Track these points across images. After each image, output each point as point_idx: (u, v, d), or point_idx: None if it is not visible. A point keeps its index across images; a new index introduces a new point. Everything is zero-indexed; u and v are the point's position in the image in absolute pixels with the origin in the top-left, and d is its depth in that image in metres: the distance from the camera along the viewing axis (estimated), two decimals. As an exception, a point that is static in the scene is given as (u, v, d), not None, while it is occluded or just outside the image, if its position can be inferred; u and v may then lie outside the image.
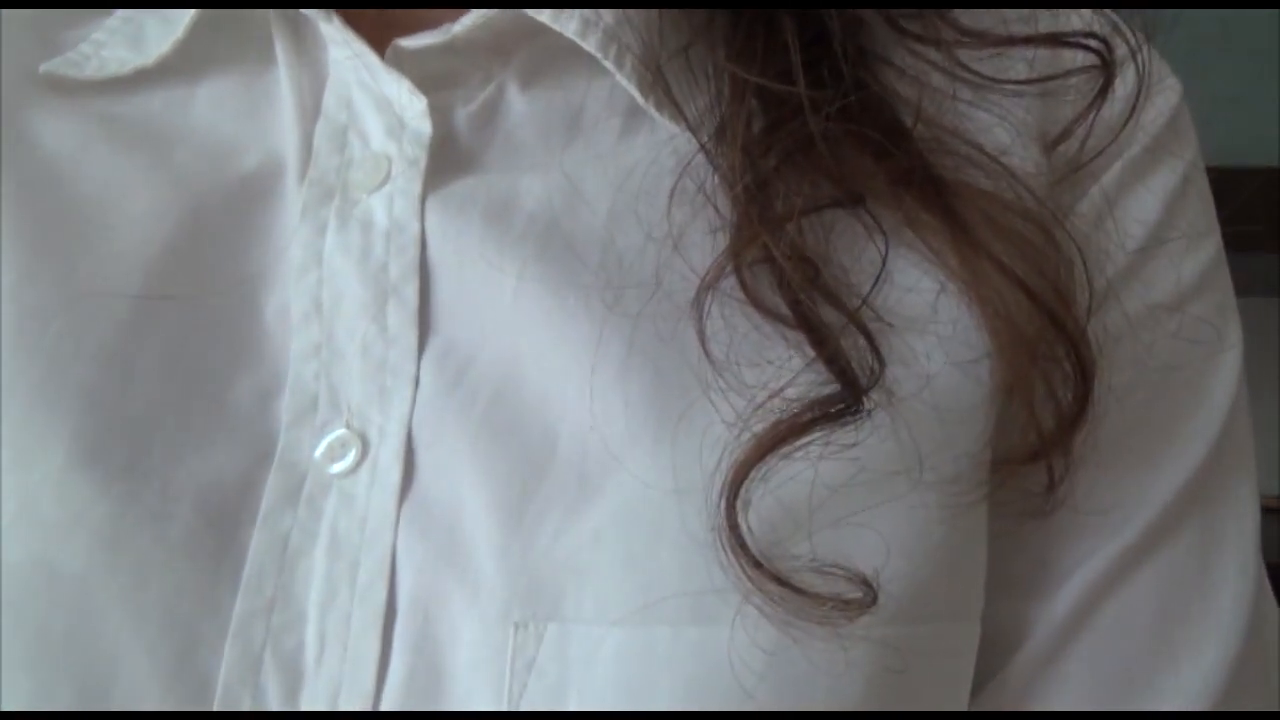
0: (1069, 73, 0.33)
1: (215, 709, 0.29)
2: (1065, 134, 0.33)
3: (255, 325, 0.33)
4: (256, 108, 0.36)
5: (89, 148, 0.36)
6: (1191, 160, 0.36)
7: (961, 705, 0.32)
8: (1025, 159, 0.33)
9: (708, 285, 0.30)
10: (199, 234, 0.34)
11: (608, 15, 0.34)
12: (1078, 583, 0.33)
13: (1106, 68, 0.33)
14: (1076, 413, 0.31)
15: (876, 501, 0.29)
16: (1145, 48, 0.34)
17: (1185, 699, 0.33)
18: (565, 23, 0.33)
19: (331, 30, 0.35)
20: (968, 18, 0.34)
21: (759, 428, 0.29)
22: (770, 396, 0.29)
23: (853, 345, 0.29)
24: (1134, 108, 0.34)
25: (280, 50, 0.36)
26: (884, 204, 0.31)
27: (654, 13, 0.34)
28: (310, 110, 0.36)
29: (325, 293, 0.33)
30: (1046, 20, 0.34)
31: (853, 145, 0.31)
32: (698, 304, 0.30)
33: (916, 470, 0.30)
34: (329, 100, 0.36)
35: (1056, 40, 0.33)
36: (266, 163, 0.35)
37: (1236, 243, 0.85)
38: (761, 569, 0.28)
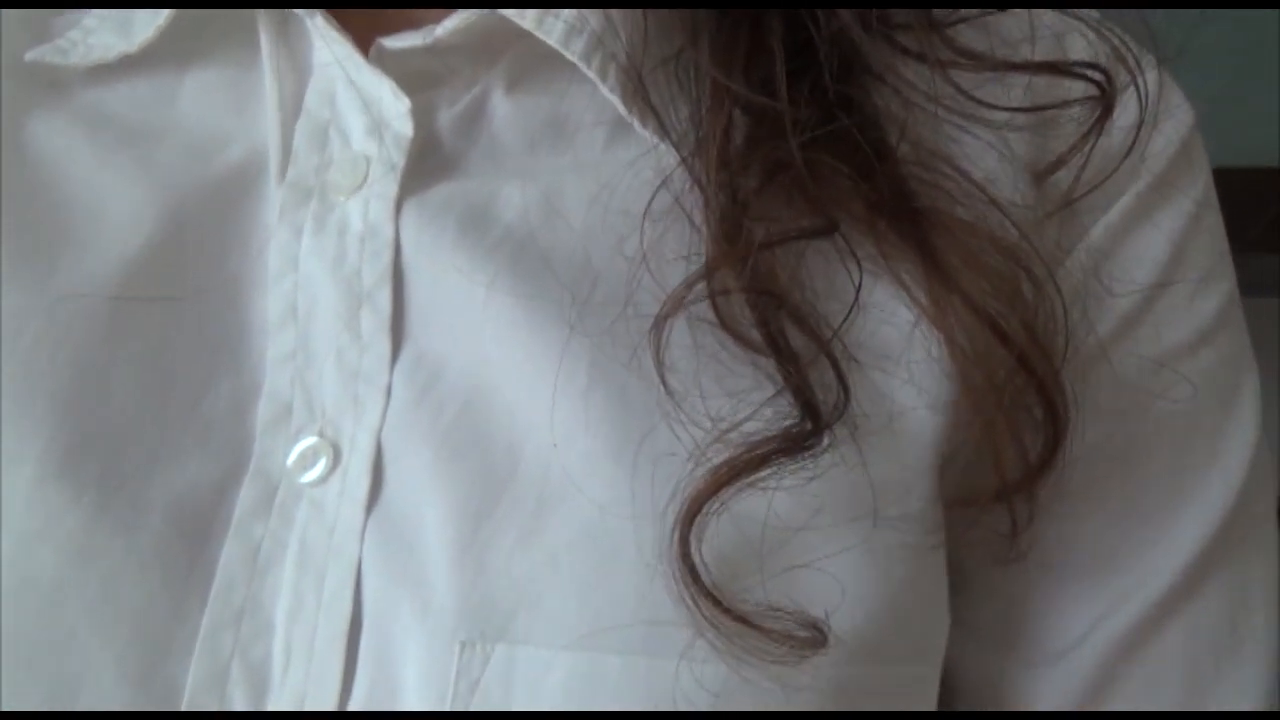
0: (1067, 103, 0.32)
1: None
2: (1057, 164, 0.32)
3: (238, 328, 0.33)
4: (243, 101, 0.36)
5: (74, 149, 0.36)
6: (1201, 196, 0.34)
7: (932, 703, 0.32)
8: (1014, 190, 0.31)
9: (665, 315, 0.29)
10: (180, 234, 0.34)
11: (594, 20, 0.33)
12: (1093, 648, 0.32)
13: (1105, 99, 0.31)
14: (1045, 460, 0.30)
15: (832, 540, 0.29)
16: (1155, 74, 0.33)
17: None
18: (549, 29, 0.33)
19: (316, 27, 0.35)
20: (965, 36, 0.33)
21: (716, 460, 0.28)
22: (730, 429, 0.28)
23: (819, 377, 0.29)
24: (1134, 140, 0.32)
25: (265, 43, 0.36)
26: (860, 230, 0.30)
27: (639, 16, 0.33)
28: (292, 106, 0.35)
29: (301, 298, 0.33)
30: (1048, 44, 0.33)
31: (832, 166, 0.30)
32: (655, 333, 0.29)
33: (876, 509, 0.29)
34: (311, 97, 0.35)
35: (1056, 69, 0.32)
36: (249, 159, 0.35)
37: (1236, 243, 0.85)
38: (713, 602, 0.27)
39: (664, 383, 0.29)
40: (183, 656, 0.30)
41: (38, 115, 0.36)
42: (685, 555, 0.27)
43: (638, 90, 0.32)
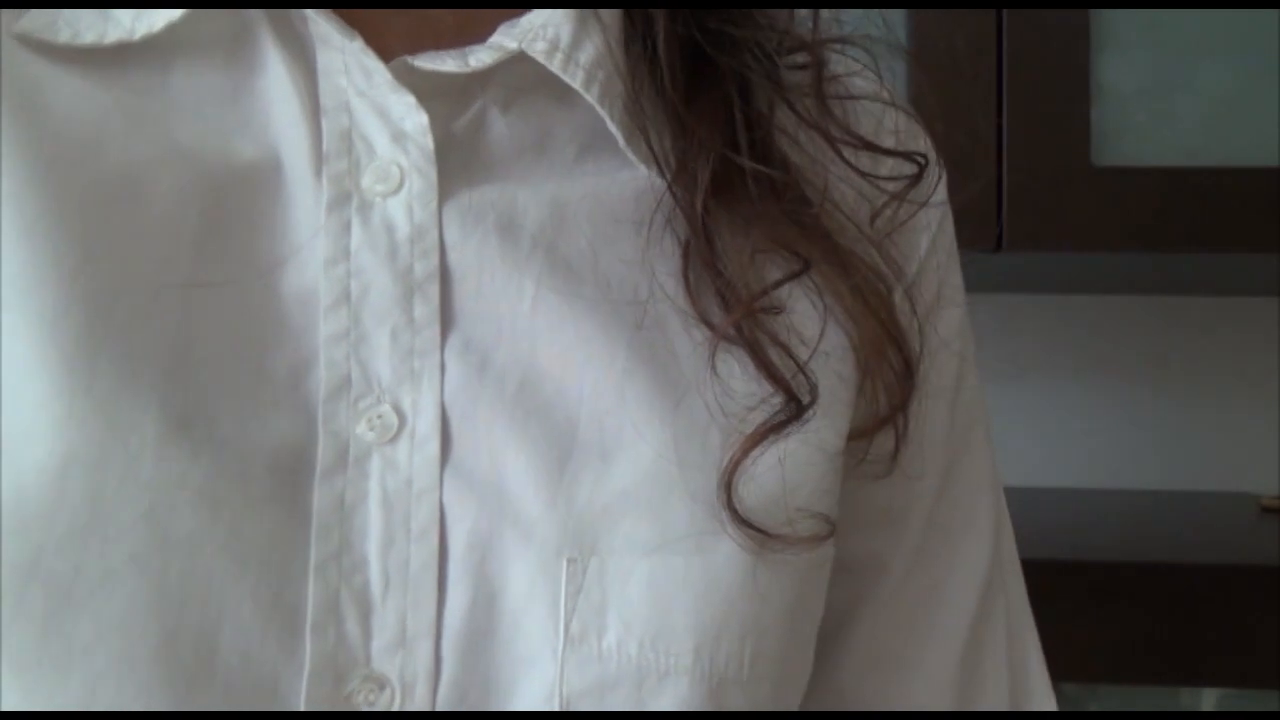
0: (905, 177, 0.44)
1: (309, 636, 0.35)
2: (883, 208, 0.44)
3: (276, 309, 0.37)
4: (237, 96, 0.38)
5: (102, 119, 0.37)
6: (953, 230, 0.48)
7: (825, 593, 0.42)
8: (866, 226, 0.43)
9: (715, 343, 0.39)
10: (221, 220, 0.37)
11: (604, 68, 0.40)
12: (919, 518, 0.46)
13: (920, 175, 0.44)
14: (907, 393, 0.42)
15: (816, 470, 0.40)
16: (940, 161, 0.47)
17: (969, 570, 0.46)
18: (572, 75, 0.39)
19: (341, 39, 0.37)
20: (859, 120, 0.45)
21: (747, 429, 0.38)
22: (753, 409, 0.38)
23: (796, 375, 0.39)
24: (928, 198, 0.46)
25: (272, 44, 0.38)
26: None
27: (622, 57, 0.41)
28: (309, 106, 0.38)
29: (354, 284, 0.37)
30: (905, 135, 0.46)
31: (781, 212, 0.41)
32: (710, 346, 0.39)
33: (832, 445, 0.41)
34: (326, 101, 0.38)
35: (905, 155, 0.44)
36: (264, 153, 0.38)
37: (1237, 243, 0.85)
38: (749, 526, 0.37)
39: (715, 371, 0.39)
40: (300, 586, 0.35)
41: (60, 85, 0.37)
42: (729, 500, 0.37)
43: (636, 126, 0.40)
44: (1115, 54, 0.79)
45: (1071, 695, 0.75)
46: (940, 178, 0.47)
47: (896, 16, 0.79)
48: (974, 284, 0.50)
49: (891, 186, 0.44)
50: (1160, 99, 0.79)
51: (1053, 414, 1.09)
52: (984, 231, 0.78)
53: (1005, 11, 0.78)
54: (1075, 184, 0.78)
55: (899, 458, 0.43)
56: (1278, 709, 0.74)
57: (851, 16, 0.47)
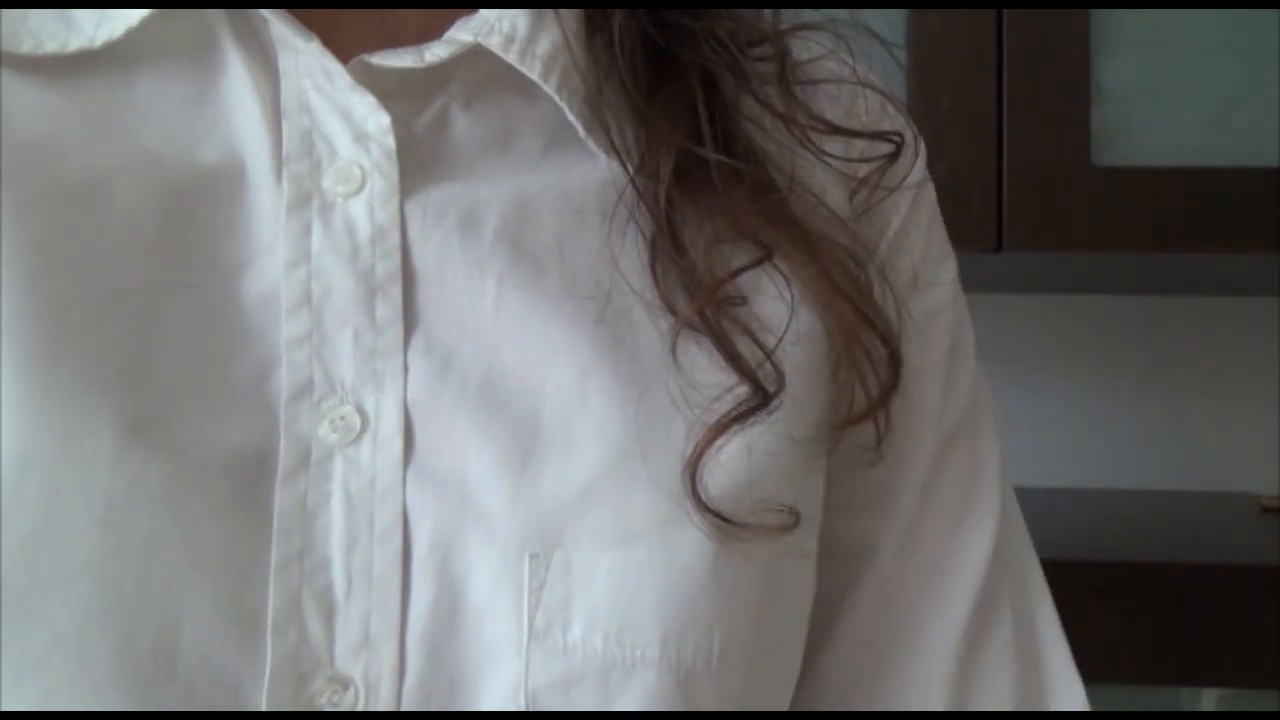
0: (880, 157, 0.44)
1: (270, 638, 0.34)
2: (859, 187, 0.44)
3: (237, 312, 0.37)
4: (201, 100, 0.38)
5: (64, 126, 0.37)
6: (934, 207, 0.48)
7: (812, 587, 0.42)
8: (842, 205, 0.44)
9: (679, 327, 0.39)
10: (182, 225, 0.37)
11: (561, 59, 0.40)
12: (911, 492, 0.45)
13: (896, 153, 0.44)
14: (891, 383, 0.42)
15: (784, 459, 0.40)
16: (918, 138, 0.47)
17: (978, 554, 0.45)
18: (530, 66, 0.39)
19: (299, 41, 0.37)
20: (820, 103, 0.45)
21: (711, 419, 0.38)
22: (718, 398, 0.38)
23: (762, 364, 0.39)
24: (905, 177, 0.45)
25: (233, 47, 0.38)
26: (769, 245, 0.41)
27: (581, 50, 0.41)
28: (271, 109, 0.38)
29: (315, 286, 0.37)
30: (875, 117, 0.46)
31: (746, 199, 0.40)
32: (672, 335, 0.39)
33: (806, 434, 0.41)
34: (287, 102, 0.38)
35: (877, 135, 0.44)
36: (227, 157, 0.38)
37: (1237, 243, 0.85)
38: (714, 514, 0.37)
39: (677, 363, 0.39)
40: (261, 588, 0.35)
41: (18, 95, 0.37)
42: (695, 490, 0.37)
43: (596, 118, 0.40)
44: (1115, 54, 0.79)
45: (1071, 695, 0.74)
46: (917, 155, 0.46)
47: (896, 16, 0.79)
48: (974, 284, 0.50)
49: (864, 168, 0.44)
50: (1160, 99, 0.79)
51: (1053, 414, 1.09)
52: (984, 231, 0.78)
53: (1005, 11, 0.78)
54: (1075, 184, 0.78)
55: (883, 445, 0.43)
56: (1278, 709, 0.74)
57: (843, 15, 0.47)
